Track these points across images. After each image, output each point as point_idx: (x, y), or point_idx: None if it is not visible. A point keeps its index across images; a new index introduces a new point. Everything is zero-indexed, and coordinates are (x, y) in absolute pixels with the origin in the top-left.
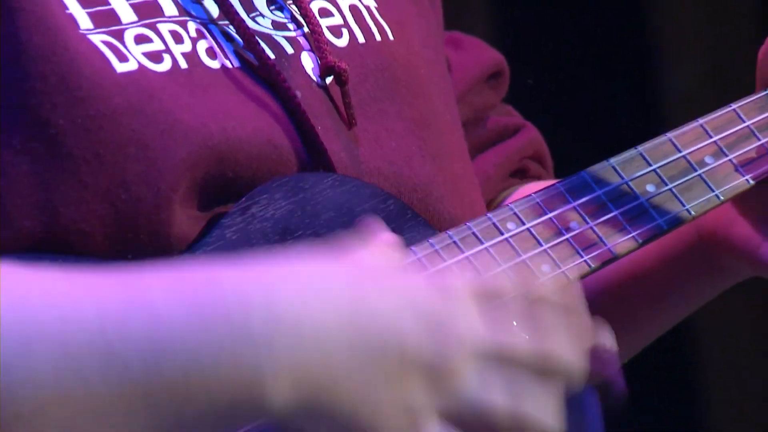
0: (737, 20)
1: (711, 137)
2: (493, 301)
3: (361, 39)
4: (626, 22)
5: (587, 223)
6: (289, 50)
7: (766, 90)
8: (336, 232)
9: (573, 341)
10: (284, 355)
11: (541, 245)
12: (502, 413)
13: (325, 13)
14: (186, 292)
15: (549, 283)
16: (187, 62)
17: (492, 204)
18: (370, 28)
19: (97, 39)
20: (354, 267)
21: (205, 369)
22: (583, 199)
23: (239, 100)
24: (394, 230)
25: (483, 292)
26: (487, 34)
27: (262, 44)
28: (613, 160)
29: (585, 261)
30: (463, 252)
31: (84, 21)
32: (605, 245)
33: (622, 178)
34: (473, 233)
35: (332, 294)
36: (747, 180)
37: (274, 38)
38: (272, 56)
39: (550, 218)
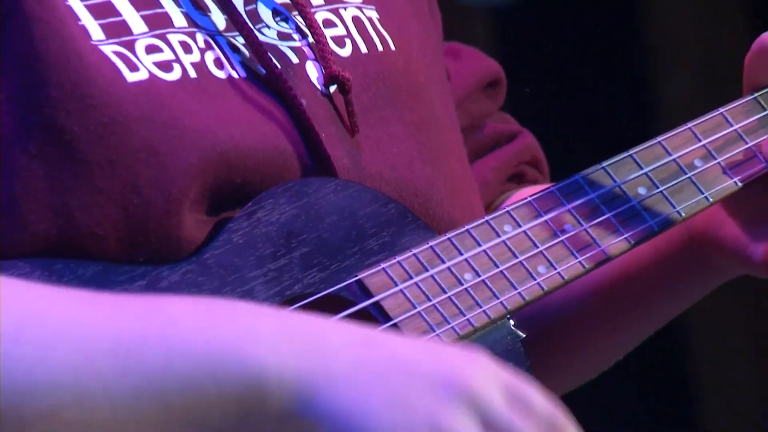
0: (731, 27)
1: (700, 141)
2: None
3: (363, 49)
4: (621, 29)
5: (581, 225)
6: (295, 60)
7: (752, 94)
8: (338, 236)
9: None
10: (291, 358)
11: (537, 247)
12: None
13: (329, 24)
14: (200, 303)
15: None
16: (196, 72)
17: (490, 207)
18: (373, 39)
19: (108, 50)
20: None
21: (216, 368)
22: (578, 202)
23: (246, 108)
24: (395, 233)
25: (512, 389)
26: (485, 44)
27: (269, 54)
28: (606, 164)
29: (580, 262)
30: (461, 254)
31: (96, 32)
32: (599, 246)
33: (615, 181)
34: (471, 236)
35: (348, 328)
36: (735, 182)
37: (279, 48)
38: (279, 66)
39: (546, 221)
